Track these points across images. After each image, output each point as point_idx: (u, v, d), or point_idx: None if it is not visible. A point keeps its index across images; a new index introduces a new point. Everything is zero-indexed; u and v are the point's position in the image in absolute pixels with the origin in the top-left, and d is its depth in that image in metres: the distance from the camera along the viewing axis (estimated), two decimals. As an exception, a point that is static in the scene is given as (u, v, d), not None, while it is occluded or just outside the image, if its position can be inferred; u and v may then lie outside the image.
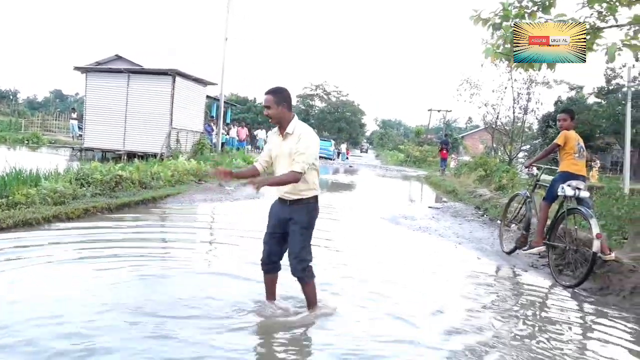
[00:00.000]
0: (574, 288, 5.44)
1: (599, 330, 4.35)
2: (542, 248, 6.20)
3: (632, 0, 5.50)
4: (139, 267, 4.94)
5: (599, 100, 33.11)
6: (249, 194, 10.91)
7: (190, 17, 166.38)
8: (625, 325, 4.45)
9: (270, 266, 3.95)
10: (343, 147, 43.03)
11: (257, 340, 3.56)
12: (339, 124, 61.83)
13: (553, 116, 27.08)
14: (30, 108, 56.73)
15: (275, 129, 3.85)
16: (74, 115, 29.16)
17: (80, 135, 22.94)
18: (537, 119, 23.23)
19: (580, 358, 3.69)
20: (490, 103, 20.91)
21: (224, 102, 24.54)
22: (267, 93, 3.74)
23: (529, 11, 5.85)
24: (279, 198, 3.85)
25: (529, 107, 19.91)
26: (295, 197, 3.74)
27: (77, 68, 19.30)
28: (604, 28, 5.68)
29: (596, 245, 5.28)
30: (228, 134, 27.12)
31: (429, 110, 47.97)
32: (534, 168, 7.10)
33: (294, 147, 3.63)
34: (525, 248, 6.45)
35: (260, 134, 33.98)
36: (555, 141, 6.21)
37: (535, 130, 26.96)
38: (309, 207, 3.77)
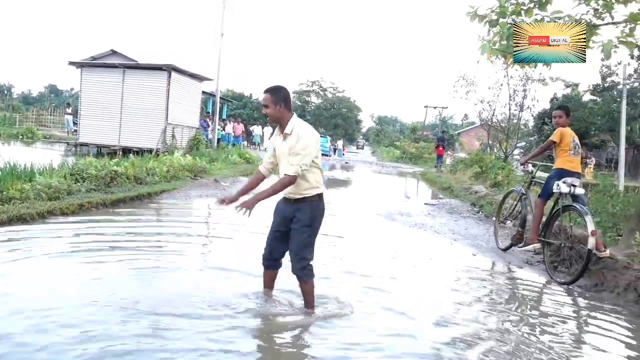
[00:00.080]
0: (568, 285, 5.47)
1: (593, 326, 4.38)
2: (538, 245, 6.21)
3: (628, -3, 5.50)
4: (134, 263, 4.92)
5: (594, 97, 33.19)
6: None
7: (186, 13, 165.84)
8: (619, 322, 4.48)
9: (270, 262, 3.95)
10: (340, 143, 43.00)
11: (256, 336, 3.55)
12: (335, 120, 61.86)
13: (549, 113, 27.13)
14: (24, 103, 56.43)
15: (277, 129, 3.83)
16: (69, 111, 29.05)
17: (75, 131, 22.85)
18: (532, 116, 23.30)
19: (574, 353, 3.71)
20: (486, 100, 20.97)
21: (220, 97, 24.49)
22: (265, 92, 3.72)
23: (525, 8, 5.84)
24: (284, 197, 3.83)
25: (524, 104, 19.97)
26: (298, 196, 3.72)
27: (72, 63, 19.19)
28: (600, 25, 5.69)
29: (591, 243, 5.30)
30: (224, 129, 27.06)
31: (425, 106, 47.96)
32: (529, 165, 7.11)
33: (293, 148, 3.61)
34: (521, 245, 6.47)
35: (256, 129, 33.92)
36: (550, 138, 6.22)
37: (530, 127, 27.04)
38: (312, 206, 3.74)
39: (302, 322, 3.78)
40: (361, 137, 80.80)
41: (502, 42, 5.96)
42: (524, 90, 19.68)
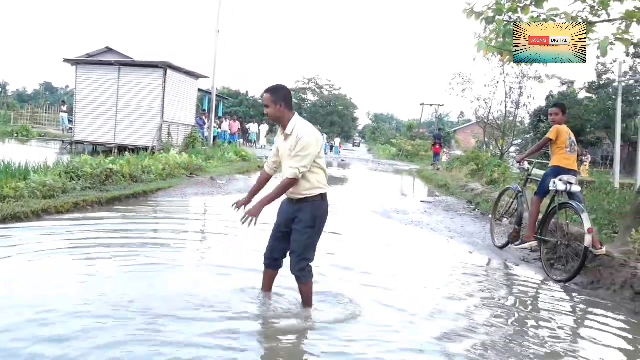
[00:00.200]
0: (565, 283, 5.47)
1: (590, 323, 4.39)
2: (534, 243, 6.22)
3: (625, -5, 5.49)
4: (129, 261, 4.90)
5: (590, 95, 33.30)
6: (241, 188, 10.87)
7: (182, 10, 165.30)
8: (616, 319, 4.48)
9: (271, 262, 3.93)
10: (337, 141, 42.95)
11: (254, 334, 3.53)
12: (331, 118, 61.77)
13: (545, 111, 27.19)
14: (19, 101, 56.15)
15: (279, 129, 3.81)
16: (64, 108, 28.93)
17: (71, 129, 22.73)
18: (528, 113, 23.29)
19: (571, 350, 3.70)
20: (482, 97, 20.95)
21: (216, 95, 24.40)
22: (265, 92, 3.69)
23: (521, 5, 5.83)
24: (287, 197, 3.80)
25: (520, 101, 19.96)
26: (300, 197, 3.70)
27: (67, 60, 19.09)
28: (596, 22, 5.68)
29: (588, 240, 5.30)
30: (220, 127, 26.98)
31: (421, 104, 47.97)
32: (526, 162, 7.12)
33: (293, 149, 3.59)
34: (518, 243, 6.47)
35: (252, 127, 33.88)
36: (547, 136, 6.22)
37: (526, 125, 27.07)
38: (314, 206, 3.71)
39: (301, 319, 3.76)
40: (357, 134, 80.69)
41: (499, 40, 5.95)
42: (520, 88, 19.68)
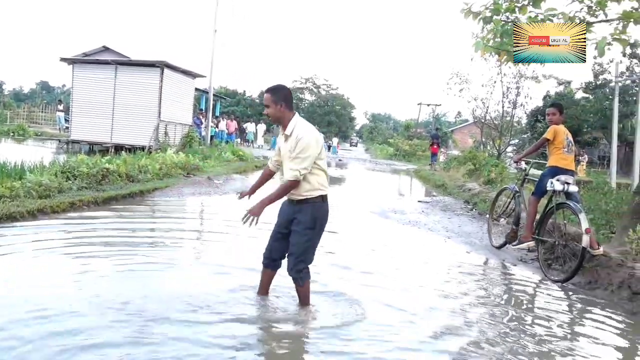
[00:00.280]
0: (563, 283, 5.47)
1: (587, 323, 4.39)
2: (532, 243, 6.21)
3: (622, -5, 5.50)
4: (125, 261, 4.86)
5: (587, 95, 33.35)
6: (238, 187, 10.84)
7: (179, 9, 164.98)
8: (613, 319, 4.48)
9: (270, 261, 3.92)
10: (335, 140, 42.93)
11: (253, 332, 3.52)
12: (328, 118, 61.81)
13: (542, 110, 27.20)
14: (16, 100, 55.89)
15: (280, 129, 3.79)
16: (61, 107, 28.83)
17: (67, 128, 22.67)
18: (525, 113, 23.37)
19: (568, 350, 3.70)
20: (479, 97, 20.99)
21: (213, 94, 24.36)
22: (265, 92, 3.68)
23: (519, 5, 5.83)
24: (287, 198, 3.79)
25: (518, 101, 20.04)
26: (300, 198, 3.68)
27: (63, 59, 19.01)
28: (593, 23, 5.68)
29: (585, 240, 5.30)
30: (217, 127, 26.93)
31: (418, 104, 47.88)
32: (523, 162, 7.12)
33: (293, 151, 3.57)
34: (515, 243, 6.46)
35: (249, 127, 33.81)
36: (544, 136, 6.22)
37: (524, 125, 27.10)
38: (314, 207, 3.69)
39: (299, 319, 3.75)
40: (355, 134, 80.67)
41: (496, 40, 5.95)
42: (517, 88, 19.75)
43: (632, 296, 4.91)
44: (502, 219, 7.49)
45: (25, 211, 6.30)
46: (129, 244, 5.63)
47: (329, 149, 38.33)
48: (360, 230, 7.79)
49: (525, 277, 5.80)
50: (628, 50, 26.52)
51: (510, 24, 5.78)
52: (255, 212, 3.59)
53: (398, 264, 5.83)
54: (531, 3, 5.78)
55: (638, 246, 5.54)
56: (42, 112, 36.79)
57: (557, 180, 5.84)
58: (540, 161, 7.93)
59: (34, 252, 4.91)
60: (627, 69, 28.30)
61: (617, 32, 5.43)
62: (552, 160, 6.09)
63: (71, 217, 6.78)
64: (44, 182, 7.54)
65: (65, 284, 4.11)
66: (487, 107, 20.94)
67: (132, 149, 16.20)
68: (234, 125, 29.69)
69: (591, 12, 5.70)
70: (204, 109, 25.50)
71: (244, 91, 59.06)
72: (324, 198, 3.74)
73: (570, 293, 5.24)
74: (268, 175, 4.02)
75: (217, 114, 30.23)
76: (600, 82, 31.88)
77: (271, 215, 3.85)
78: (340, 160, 30.67)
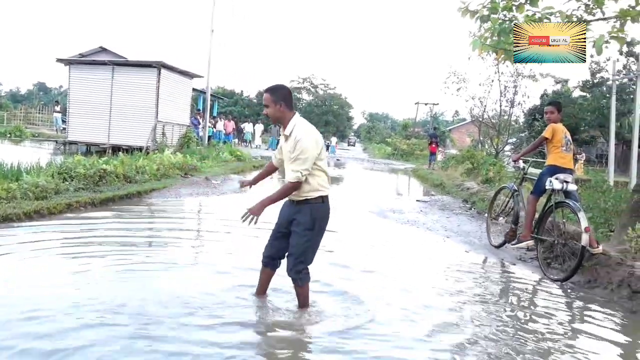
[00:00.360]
0: (562, 282, 5.45)
1: (587, 321, 4.37)
2: (531, 242, 6.19)
3: (619, -7, 5.49)
4: (123, 263, 4.83)
5: (584, 93, 33.46)
6: (236, 187, 10.81)
7: (176, 9, 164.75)
8: (613, 318, 4.47)
9: (269, 260, 3.90)
10: (333, 140, 42.95)
11: (253, 331, 3.51)
12: (326, 117, 61.80)
13: (539, 109, 27.28)
14: (13, 101, 55.85)
15: (281, 128, 3.77)
16: (58, 108, 28.77)
17: (64, 129, 22.59)
18: (523, 112, 23.37)
19: (567, 349, 3.69)
20: (477, 96, 21.00)
21: (211, 95, 24.32)
22: (265, 91, 3.66)
23: (516, 4, 5.81)
24: (288, 198, 3.77)
25: (515, 100, 20.03)
26: (300, 198, 3.67)
27: (60, 60, 18.96)
28: (591, 21, 5.67)
29: (585, 239, 5.28)
30: (215, 127, 26.89)
31: (416, 103, 47.85)
32: (521, 161, 7.10)
33: (292, 152, 3.56)
34: (514, 242, 6.45)
35: (247, 127, 33.77)
36: (542, 134, 6.20)
37: (521, 124, 27.13)
38: (313, 208, 3.67)
39: (298, 318, 3.74)
40: (352, 134, 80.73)
41: (494, 38, 5.93)
42: (515, 87, 19.75)
43: (631, 295, 4.90)
44: (501, 218, 7.48)
45: (22, 213, 6.27)
46: (127, 244, 5.60)
47: (327, 149, 38.38)
48: (359, 230, 7.76)
49: (525, 276, 5.79)
50: (625, 49, 26.61)
51: (507, 22, 5.77)
52: (255, 212, 3.57)
53: (397, 263, 5.81)
54: (528, 2, 5.77)
55: (637, 244, 5.53)
56: (39, 113, 36.66)
57: (556, 179, 5.83)
58: (539, 160, 7.92)
59: (31, 253, 4.88)
60: (624, 67, 28.39)
61: (615, 30, 5.43)
62: (551, 159, 6.08)
63: (68, 217, 6.74)
64: (40, 183, 7.50)
65: (62, 284, 4.07)
66: (485, 106, 20.95)
67: (129, 150, 16.18)
68: (231, 125, 29.67)
69: (588, 11, 5.69)
70: (201, 109, 25.45)
71: (242, 91, 59.12)
72: (324, 199, 3.71)
73: (570, 292, 5.23)
74: (271, 169, 4.05)
75: (215, 114, 30.19)
76: (597, 80, 31.97)
77: (271, 215, 3.83)
78: (338, 160, 30.67)
